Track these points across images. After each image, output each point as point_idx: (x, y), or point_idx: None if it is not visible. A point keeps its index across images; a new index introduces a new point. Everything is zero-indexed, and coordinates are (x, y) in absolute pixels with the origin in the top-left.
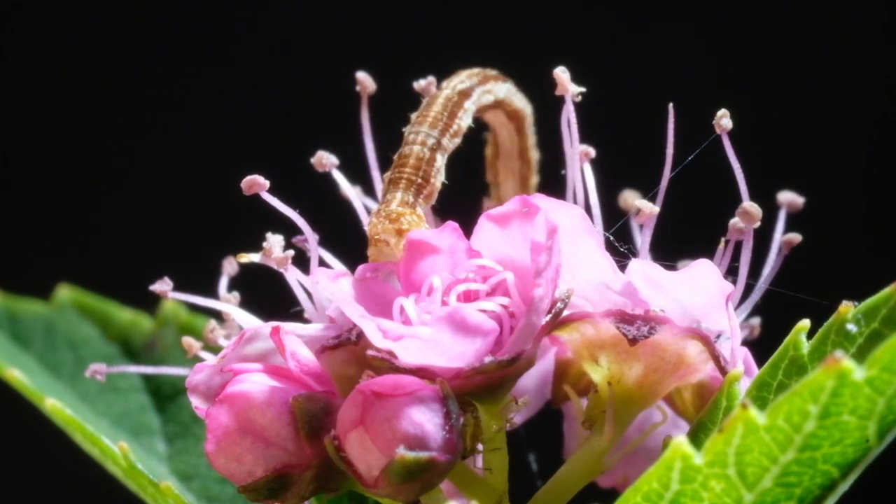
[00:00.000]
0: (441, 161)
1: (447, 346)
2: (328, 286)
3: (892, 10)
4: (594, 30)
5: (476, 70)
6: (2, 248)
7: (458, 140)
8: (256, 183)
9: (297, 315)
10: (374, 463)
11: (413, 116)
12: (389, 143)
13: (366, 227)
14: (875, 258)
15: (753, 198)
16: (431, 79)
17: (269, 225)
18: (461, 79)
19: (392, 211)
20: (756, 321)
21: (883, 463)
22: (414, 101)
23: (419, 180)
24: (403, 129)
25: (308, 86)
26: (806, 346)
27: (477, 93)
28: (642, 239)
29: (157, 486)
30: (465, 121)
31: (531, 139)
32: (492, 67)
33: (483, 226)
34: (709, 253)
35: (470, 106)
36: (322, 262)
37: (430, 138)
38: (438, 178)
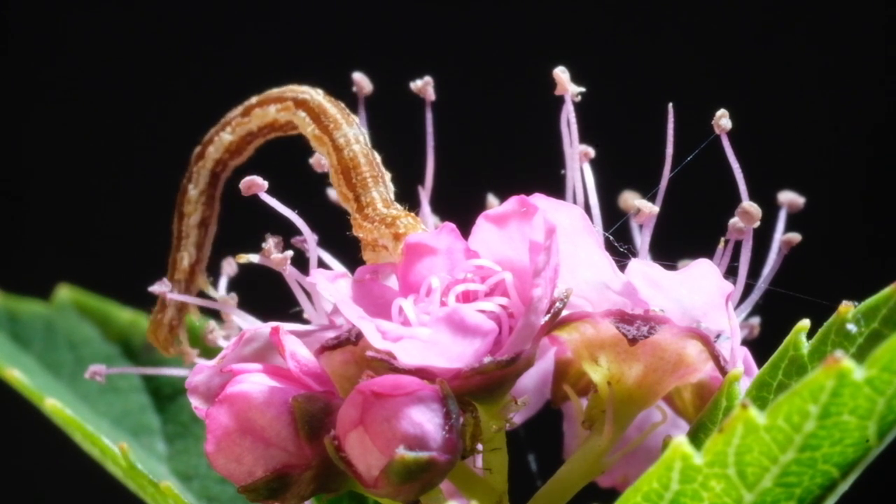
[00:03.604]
0: None
1: (446, 346)
2: (327, 287)
3: (893, 10)
4: (594, 30)
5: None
6: (2, 248)
7: None
8: (255, 184)
9: (297, 315)
10: (374, 463)
11: (312, 130)
12: (387, 143)
13: (357, 232)
14: (874, 258)
15: (753, 198)
16: (428, 79)
17: (268, 225)
18: (303, 88)
19: (387, 215)
20: (756, 321)
21: (883, 463)
22: (411, 101)
23: (377, 173)
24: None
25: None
26: (806, 346)
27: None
28: (642, 239)
29: (157, 486)
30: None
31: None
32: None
33: (481, 226)
34: (709, 253)
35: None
36: (321, 263)
37: (360, 134)
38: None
